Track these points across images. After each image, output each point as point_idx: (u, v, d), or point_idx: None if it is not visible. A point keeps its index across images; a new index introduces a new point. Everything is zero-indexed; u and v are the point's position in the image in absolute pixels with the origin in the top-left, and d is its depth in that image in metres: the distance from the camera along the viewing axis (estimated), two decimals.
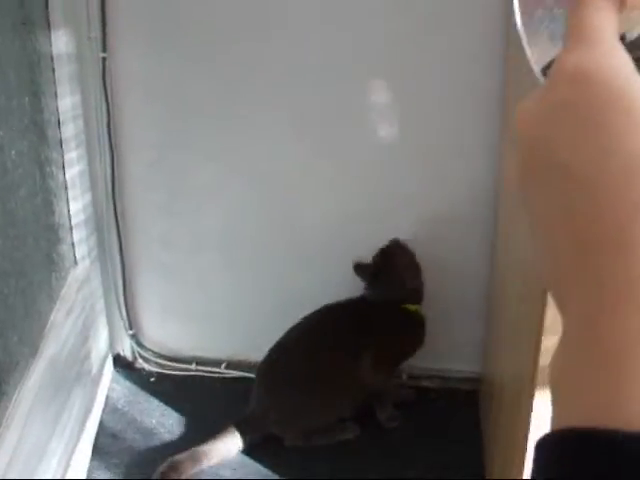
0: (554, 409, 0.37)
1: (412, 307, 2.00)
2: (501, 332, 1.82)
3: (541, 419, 1.33)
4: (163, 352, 2.28)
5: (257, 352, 2.23)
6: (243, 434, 1.93)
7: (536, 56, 0.45)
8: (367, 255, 2.01)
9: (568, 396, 0.36)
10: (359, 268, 1.98)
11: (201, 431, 2.03)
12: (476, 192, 2.00)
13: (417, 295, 2.01)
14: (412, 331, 2.02)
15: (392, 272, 1.97)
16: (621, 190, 0.35)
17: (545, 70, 0.44)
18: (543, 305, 1.22)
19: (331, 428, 2.01)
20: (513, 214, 1.71)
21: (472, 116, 1.92)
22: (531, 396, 1.31)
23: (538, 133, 0.39)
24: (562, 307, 0.38)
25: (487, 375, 2.08)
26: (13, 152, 1.57)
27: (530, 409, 1.32)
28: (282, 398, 1.97)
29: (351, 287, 2.04)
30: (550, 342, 1.26)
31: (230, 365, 2.24)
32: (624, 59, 0.38)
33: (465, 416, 2.10)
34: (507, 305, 1.74)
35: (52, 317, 1.79)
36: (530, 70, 0.45)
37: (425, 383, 2.21)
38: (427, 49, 1.87)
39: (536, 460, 0.37)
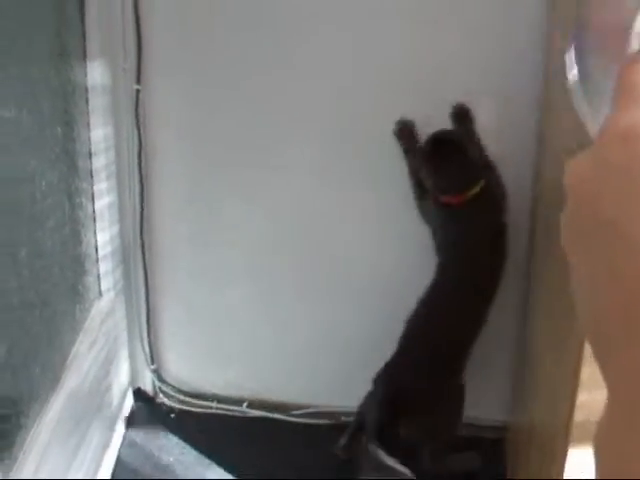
0: (597, 473, 0.35)
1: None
2: (532, 383, 1.77)
3: (574, 474, 1.28)
4: (184, 388, 2.25)
5: (279, 392, 2.20)
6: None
7: (587, 112, 0.44)
8: (402, 295, 1.97)
9: (611, 462, 0.35)
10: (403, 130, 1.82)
11: (219, 470, 2.00)
12: (512, 228, 1.96)
13: (487, 169, 1.80)
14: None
15: (453, 149, 1.76)
16: None
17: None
18: (579, 359, 1.18)
19: (456, 458, 1.93)
20: (547, 258, 1.68)
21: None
22: (565, 451, 1.26)
23: (587, 190, 0.38)
24: (606, 370, 0.37)
25: (515, 425, 2.02)
26: (43, 183, 1.56)
27: (563, 464, 1.27)
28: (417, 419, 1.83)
29: (383, 324, 2.00)
30: (585, 397, 1.22)
31: (252, 404, 2.21)
32: None
33: (491, 464, 2.05)
34: (540, 356, 1.70)
35: (75, 349, 1.78)
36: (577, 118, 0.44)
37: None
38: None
39: None
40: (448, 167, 1.79)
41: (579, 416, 1.22)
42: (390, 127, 1.89)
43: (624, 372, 0.35)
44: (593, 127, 0.43)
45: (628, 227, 0.36)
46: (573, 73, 0.44)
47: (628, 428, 0.34)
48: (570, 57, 0.45)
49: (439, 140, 1.78)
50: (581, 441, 1.25)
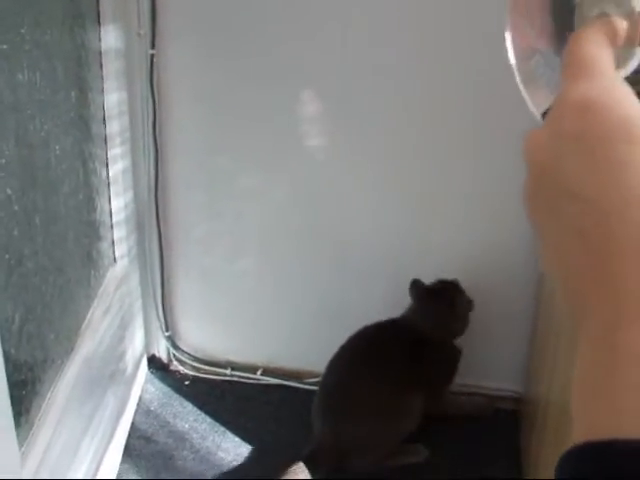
0: (575, 422, 0.37)
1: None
2: (548, 353, 1.76)
3: None
4: (199, 355, 2.25)
5: (293, 360, 2.20)
6: (312, 470, 1.85)
7: (535, 101, 0.47)
8: (408, 270, 1.96)
9: (588, 407, 0.37)
10: (416, 287, 1.94)
11: (234, 438, 2.01)
12: (523, 217, 1.94)
13: (461, 330, 1.98)
14: (454, 363, 1.99)
15: (447, 307, 1.93)
16: (631, 208, 0.37)
17: (544, 115, 0.46)
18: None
19: (400, 451, 1.95)
20: None
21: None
22: None
23: (546, 161, 0.41)
24: (580, 322, 0.39)
25: (530, 395, 2.02)
26: (57, 147, 1.55)
27: None
28: (351, 427, 1.89)
29: (390, 300, 1.99)
30: None
31: (266, 372, 2.21)
32: (625, 90, 0.41)
33: (505, 435, 2.04)
34: (556, 327, 1.68)
35: (89, 315, 1.77)
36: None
37: (465, 400, 2.16)
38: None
39: (560, 475, 0.38)
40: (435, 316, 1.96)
41: None
42: (408, 96, 1.87)
43: (596, 321, 0.38)
44: (533, 106, 0.47)
45: (588, 193, 0.38)
46: (510, 56, 0.48)
47: (601, 372, 0.36)
48: (507, 41, 0.48)
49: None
50: None
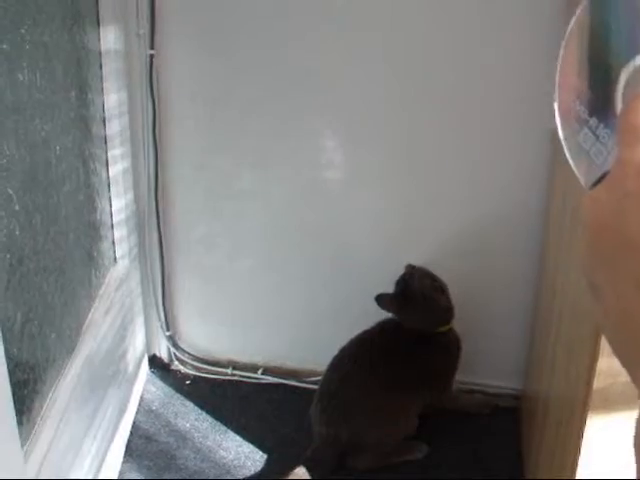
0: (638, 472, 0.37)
1: (445, 328, 1.95)
2: (548, 351, 1.76)
3: (591, 443, 1.27)
4: (200, 355, 2.25)
5: (294, 359, 2.21)
6: (312, 470, 1.86)
7: (582, 172, 0.48)
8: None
9: None
10: (382, 300, 1.91)
11: (235, 437, 2.01)
12: (525, 208, 1.95)
13: (448, 314, 1.94)
14: (455, 352, 1.97)
15: (418, 299, 1.90)
16: None
17: (594, 186, 0.46)
18: (599, 328, 1.17)
19: (400, 448, 1.96)
20: (563, 229, 1.66)
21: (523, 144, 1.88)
22: (583, 419, 1.25)
23: (608, 217, 0.42)
24: None
25: (529, 393, 2.02)
26: (58, 147, 1.55)
27: (581, 433, 1.26)
28: (351, 425, 1.89)
29: None
30: (605, 364, 1.20)
31: (266, 371, 2.21)
32: None
33: (505, 433, 2.05)
34: (556, 324, 1.69)
35: (90, 315, 1.78)
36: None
37: (464, 397, 2.16)
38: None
39: None
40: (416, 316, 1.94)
41: (599, 383, 1.21)
42: (409, 94, 1.87)
43: None
44: (581, 173, 0.48)
45: None
46: (559, 131, 0.49)
47: None
48: (556, 114, 0.49)
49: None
50: (600, 409, 1.24)
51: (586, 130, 0.48)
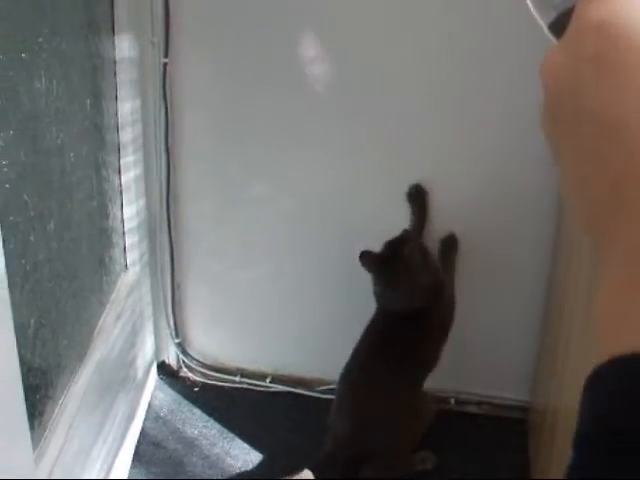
0: (601, 345, 0.36)
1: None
2: (557, 362, 1.77)
3: None
4: (208, 362, 2.26)
5: (302, 368, 2.21)
6: (319, 477, 1.83)
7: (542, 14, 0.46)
8: None
9: (615, 327, 0.36)
10: (365, 257, 1.81)
11: (243, 444, 2.02)
12: (536, 211, 1.95)
13: (428, 293, 1.82)
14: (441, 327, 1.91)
15: (400, 266, 1.79)
16: None
17: (552, 26, 0.45)
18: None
19: (410, 459, 1.95)
20: (573, 239, 1.66)
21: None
22: None
23: (566, 82, 0.40)
24: (603, 250, 0.39)
25: (537, 405, 2.02)
26: (72, 154, 1.57)
27: None
28: (370, 432, 1.87)
29: None
30: None
31: (275, 379, 2.22)
32: None
33: (513, 444, 2.05)
34: (565, 335, 1.69)
35: (101, 321, 1.79)
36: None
37: (473, 409, 2.16)
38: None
39: (593, 393, 0.36)
40: (396, 284, 1.84)
41: None
42: (414, 108, 1.88)
43: (619, 247, 0.37)
44: (541, 14, 0.46)
45: (607, 112, 0.37)
46: None
47: (632, 296, 0.35)
48: None
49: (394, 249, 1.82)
50: None
51: None
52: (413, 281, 1.81)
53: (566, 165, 0.42)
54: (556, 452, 1.66)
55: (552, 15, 0.45)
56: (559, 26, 0.44)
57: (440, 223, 1.99)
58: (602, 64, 0.38)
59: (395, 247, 1.81)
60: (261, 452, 2.00)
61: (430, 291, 1.82)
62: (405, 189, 1.97)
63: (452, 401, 2.16)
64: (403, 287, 1.83)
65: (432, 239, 1.99)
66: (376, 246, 2.04)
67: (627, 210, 0.37)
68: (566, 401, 1.63)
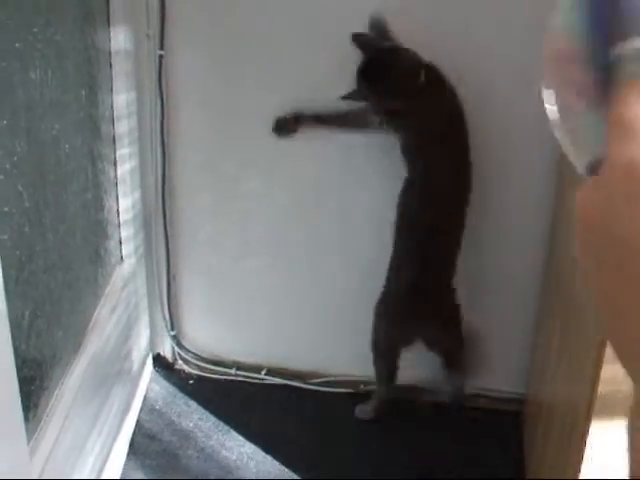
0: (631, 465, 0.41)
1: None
2: (552, 356, 1.77)
3: (594, 448, 1.28)
4: (204, 355, 2.26)
5: (298, 361, 2.21)
6: None
7: (577, 156, 0.50)
8: None
9: None
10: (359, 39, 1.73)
11: (239, 437, 2.02)
12: (532, 213, 1.96)
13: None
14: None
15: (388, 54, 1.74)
16: None
17: (589, 167, 0.49)
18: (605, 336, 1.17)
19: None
20: (570, 235, 1.66)
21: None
22: (587, 424, 1.26)
23: (598, 213, 0.44)
24: (631, 364, 0.42)
25: (533, 397, 2.02)
26: (67, 146, 1.56)
27: (585, 438, 1.27)
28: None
29: None
30: (610, 371, 1.21)
31: (270, 372, 2.22)
32: None
33: (508, 437, 2.05)
34: (561, 329, 1.69)
35: (96, 313, 1.78)
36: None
37: (468, 402, 2.16)
38: None
39: None
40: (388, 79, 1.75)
41: (603, 389, 1.22)
42: None
43: None
44: (577, 160, 0.50)
45: (636, 239, 0.41)
46: (550, 110, 0.50)
47: None
48: (544, 94, 0.50)
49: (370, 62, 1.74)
50: (604, 415, 1.25)
51: (579, 117, 0.49)
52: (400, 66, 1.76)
53: (597, 291, 0.45)
54: (551, 445, 1.66)
55: (588, 159, 0.49)
56: (592, 169, 0.48)
57: None
58: (632, 198, 0.42)
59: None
60: (256, 444, 2.00)
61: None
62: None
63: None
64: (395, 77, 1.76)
65: None
66: (371, 239, 2.05)
67: None
68: (561, 393, 1.63)
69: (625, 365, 0.42)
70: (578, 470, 1.31)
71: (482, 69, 1.84)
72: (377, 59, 1.76)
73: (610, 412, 1.25)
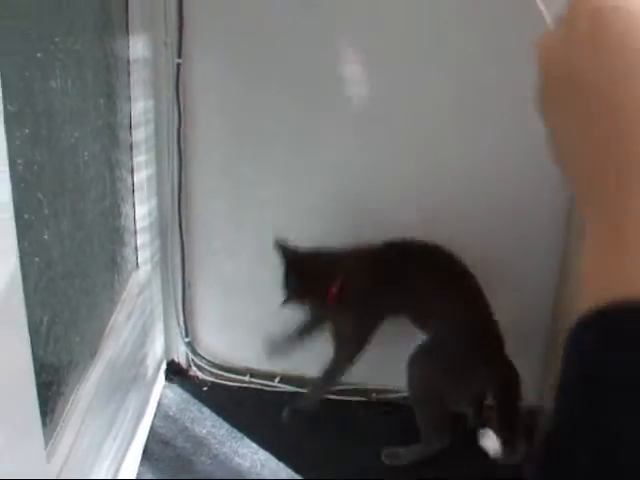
0: (584, 298, 0.38)
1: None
2: None
3: None
4: (217, 362, 2.27)
5: (311, 368, 2.21)
6: None
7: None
8: None
9: (599, 280, 0.38)
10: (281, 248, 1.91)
11: (252, 444, 2.02)
12: (548, 202, 1.95)
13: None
14: None
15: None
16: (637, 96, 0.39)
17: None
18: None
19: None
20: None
21: None
22: None
23: (562, 59, 0.43)
24: (588, 207, 0.41)
25: (547, 409, 2.02)
26: (86, 153, 1.58)
27: None
28: None
29: None
30: None
31: (284, 379, 2.22)
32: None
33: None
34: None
35: (112, 319, 1.80)
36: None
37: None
38: None
39: (578, 341, 0.37)
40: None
41: None
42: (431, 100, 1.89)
43: (601, 201, 0.40)
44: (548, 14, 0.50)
45: (601, 83, 0.41)
46: None
47: (610, 248, 0.38)
48: None
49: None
50: None
51: None
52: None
53: (560, 136, 0.44)
54: None
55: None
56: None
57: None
58: (598, 44, 0.41)
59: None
60: (269, 452, 2.01)
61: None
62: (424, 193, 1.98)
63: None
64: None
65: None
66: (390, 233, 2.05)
67: (609, 165, 0.39)
68: None
69: (580, 200, 0.42)
70: None
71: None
72: (293, 264, 1.91)
73: None
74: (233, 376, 2.25)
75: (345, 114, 1.94)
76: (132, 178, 1.93)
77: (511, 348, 2.09)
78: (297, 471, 1.96)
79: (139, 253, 2.01)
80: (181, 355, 2.28)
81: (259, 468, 1.97)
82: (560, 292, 1.97)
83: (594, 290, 0.38)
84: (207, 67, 1.95)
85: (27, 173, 1.23)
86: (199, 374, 2.28)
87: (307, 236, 2.08)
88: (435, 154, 1.96)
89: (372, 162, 1.99)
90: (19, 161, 1.19)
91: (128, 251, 1.94)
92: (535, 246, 2.01)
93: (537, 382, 2.11)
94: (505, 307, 2.06)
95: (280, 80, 1.92)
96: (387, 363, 2.07)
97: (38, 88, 1.30)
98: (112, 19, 1.72)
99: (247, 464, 1.98)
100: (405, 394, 2.03)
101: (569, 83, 0.43)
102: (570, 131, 0.43)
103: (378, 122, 1.94)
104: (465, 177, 1.96)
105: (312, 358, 2.21)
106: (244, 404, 2.18)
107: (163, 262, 2.13)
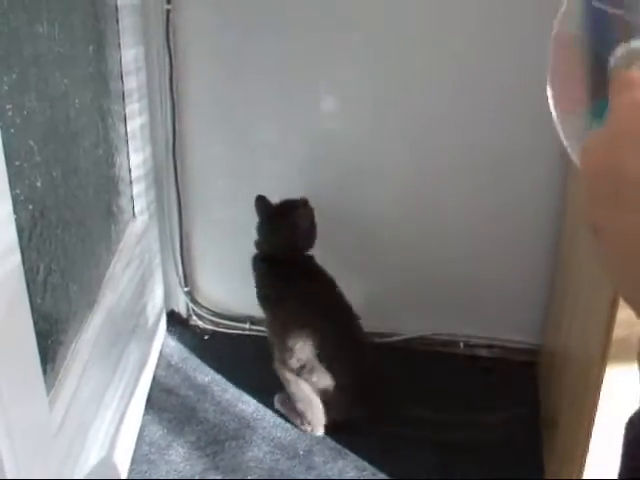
0: None
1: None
2: (567, 302, 1.77)
3: (611, 392, 1.28)
4: (218, 310, 2.27)
5: None
6: None
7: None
8: (427, 238, 1.97)
9: None
10: (260, 202, 1.93)
11: (253, 391, 2.03)
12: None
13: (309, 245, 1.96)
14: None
15: (290, 228, 1.92)
16: None
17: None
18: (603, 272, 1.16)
19: None
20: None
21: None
22: (602, 368, 1.26)
23: (605, 159, 0.42)
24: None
25: (548, 346, 2.03)
26: (77, 101, 1.55)
27: (600, 382, 1.27)
28: None
29: (407, 266, 1.99)
30: (625, 314, 1.21)
31: None
32: None
33: (523, 387, 2.06)
34: (576, 275, 1.69)
35: (110, 269, 1.79)
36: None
37: (482, 352, 2.17)
38: None
39: (627, 440, 0.38)
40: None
41: (619, 333, 1.22)
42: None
43: None
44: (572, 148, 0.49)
45: None
46: (554, 115, 0.50)
47: None
48: (550, 98, 0.50)
49: None
50: (619, 359, 1.25)
51: (581, 117, 0.50)
52: (294, 240, 1.93)
53: (609, 238, 0.42)
54: (565, 394, 1.67)
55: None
56: None
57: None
58: (638, 136, 0.40)
59: (289, 207, 1.90)
60: (271, 397, 2.02)
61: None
62: (422, 135, 1.96)
63: (461, 345, 2.17)
64: (284, 243, 1.94)
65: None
66: (386, 188, 2.04)
67: None
68: (575, 341, 1.63)
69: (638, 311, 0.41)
70: (593, 416, 1.31)
71: None
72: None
73: (625, 356, 1.25)
74: (234, 324, 2.26)
75: (342, 55, 1.91)
76: (125, 127, 1.91)
77: (511, 284, 2.10)
78: None
79: (135, 202, 2.00)
80: (181, 305, 2.28)
81: (263, 413, 1.98)
82: (562, 235, 1.96)
83: None
84: (197, 13, 1.92)
85: (17, 119, 1.21)
86: (199, 323, 2.28)
87: (305, 181, 2.07)
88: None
89: (372, 103, 1.96)
90: (8, 106, 1.17)
91: (124, 201, 1.93)
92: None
93: (539, 321, 2.11)
94: (506, 247, 2.06)
95: (273, 22, 1.89)
96: (389, 307, 2.06)
97: (24, 32, 1.27)
98: None
99: (251, 410, 1.99)
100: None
101: (616, 179, 0.41)
102: (620, 227, 0.41)
103: (378, 63, 1.91)
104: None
105: None
106: (245, 352, 2.18)
107: (160, 211, 2.12)
